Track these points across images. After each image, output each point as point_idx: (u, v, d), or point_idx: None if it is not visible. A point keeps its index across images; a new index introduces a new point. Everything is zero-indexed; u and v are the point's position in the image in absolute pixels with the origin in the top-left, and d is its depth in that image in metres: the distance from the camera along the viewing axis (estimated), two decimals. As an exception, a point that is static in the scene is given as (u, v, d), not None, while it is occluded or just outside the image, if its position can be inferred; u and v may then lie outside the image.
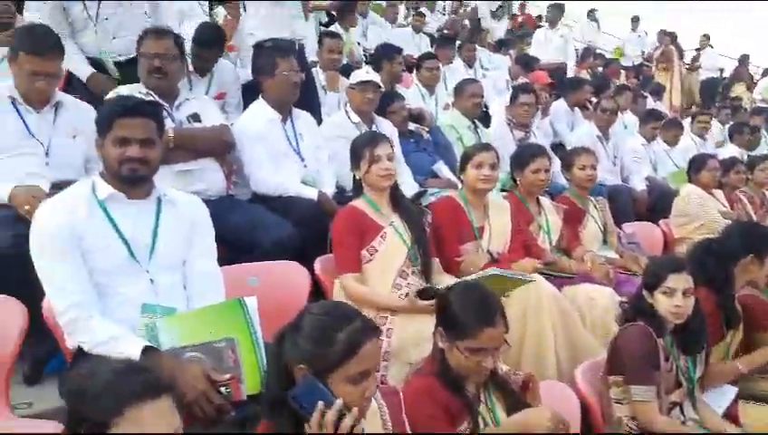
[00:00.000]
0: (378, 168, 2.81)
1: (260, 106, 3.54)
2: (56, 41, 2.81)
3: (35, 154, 2.73)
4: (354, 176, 2.93)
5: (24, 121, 2.73)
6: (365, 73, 3.89)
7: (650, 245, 4.53)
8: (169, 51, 3.10)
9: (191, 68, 3.98)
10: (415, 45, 8.98)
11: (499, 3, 15.24)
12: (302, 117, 3.66)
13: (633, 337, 2.41)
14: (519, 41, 10.64)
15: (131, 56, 3.39)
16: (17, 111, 2.73)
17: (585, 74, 11.13)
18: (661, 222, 4.93)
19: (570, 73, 9.33)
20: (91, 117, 2.76)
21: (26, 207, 2.50)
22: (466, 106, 4.71)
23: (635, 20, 14.97)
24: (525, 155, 3.61)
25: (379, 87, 3.93)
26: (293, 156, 3.50)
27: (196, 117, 3.20)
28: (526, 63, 7.51)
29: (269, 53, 3.55)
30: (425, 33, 10.12)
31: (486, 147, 3.34)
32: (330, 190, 3.52)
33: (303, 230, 3.14)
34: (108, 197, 2.14)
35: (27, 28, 2.92)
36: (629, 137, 6.28)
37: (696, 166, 5.00)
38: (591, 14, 16.00)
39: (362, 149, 2.84)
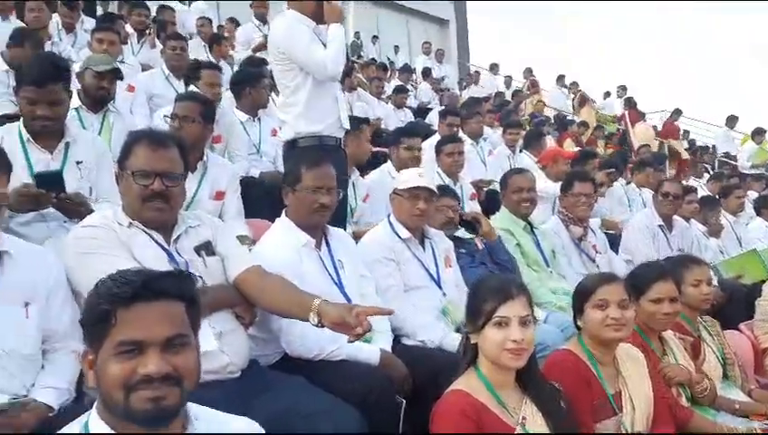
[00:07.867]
0: (503, 337, 1.86)
1: (285, 226, 2.59)
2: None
3: None
4: (466, 337, 1.98)
5: None
6: (417, 177, 2.94)
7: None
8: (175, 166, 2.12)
9: None
10: (399, 121, 8.44)
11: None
12: (337, 237, 2.72)
13: None
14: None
15: None
16: None
17: (570, 143, 10.64)
18: (742, 326, 4.06)
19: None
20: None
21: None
22: (512, 203, 3.85)
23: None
24: (643, 278, 2.69)
25: (435, 193, 3.00)
26: (337, 296, 2.47)
27: (208, 248, 2.21)
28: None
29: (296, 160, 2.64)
30: (407, 107, 9.57)
31: (611, 278, 2.42)
32: (388, 344, 2.54)
33: (366, 412, 2.13)
34: None
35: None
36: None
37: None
38: (561, 81, 15.79)
39: (483, 303, 1.91)
